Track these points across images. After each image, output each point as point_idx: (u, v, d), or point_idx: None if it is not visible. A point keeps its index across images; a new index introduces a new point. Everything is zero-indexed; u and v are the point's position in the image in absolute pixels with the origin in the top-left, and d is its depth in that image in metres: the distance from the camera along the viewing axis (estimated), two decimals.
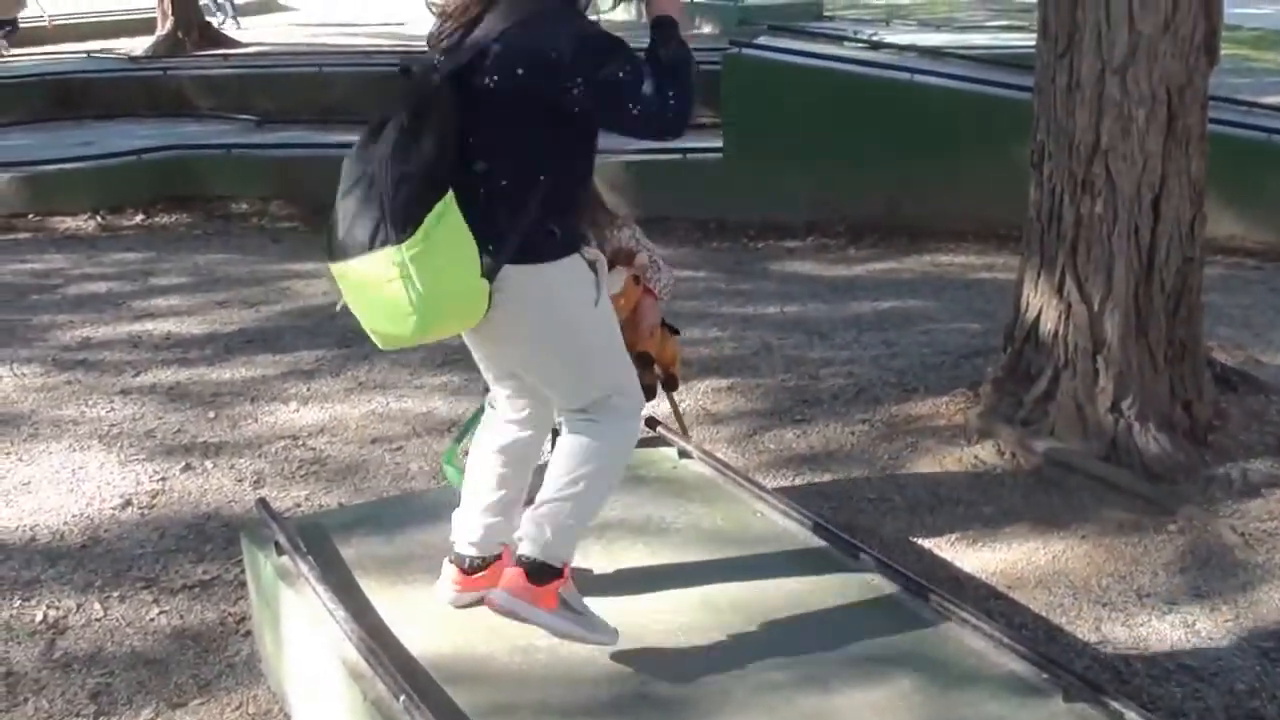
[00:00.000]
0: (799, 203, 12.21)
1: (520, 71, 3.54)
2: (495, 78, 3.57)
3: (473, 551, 4.13)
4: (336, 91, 15.50)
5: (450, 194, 3.54)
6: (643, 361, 5.00)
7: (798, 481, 6.16)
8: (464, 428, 5.09)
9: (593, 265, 3.86)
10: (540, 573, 3.78)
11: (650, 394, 5.07)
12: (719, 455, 5.20)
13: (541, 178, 3.66)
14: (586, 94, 3.55)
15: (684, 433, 5.68)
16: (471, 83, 3.59)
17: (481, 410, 4.52)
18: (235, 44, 21.91)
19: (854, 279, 10.51)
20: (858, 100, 12.14)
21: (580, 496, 3.85)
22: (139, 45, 21.16)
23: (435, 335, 3.86)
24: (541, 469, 4.05)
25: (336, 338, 8.54)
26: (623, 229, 5.23)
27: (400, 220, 3.48)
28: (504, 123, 3.63)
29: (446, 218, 3.53)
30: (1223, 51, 6.46)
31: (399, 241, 3.48)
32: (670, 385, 5.51)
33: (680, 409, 5.95)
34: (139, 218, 13.05)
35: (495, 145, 3.66)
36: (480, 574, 4.10)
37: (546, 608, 3.77)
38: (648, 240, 5.33)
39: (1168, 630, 4.93)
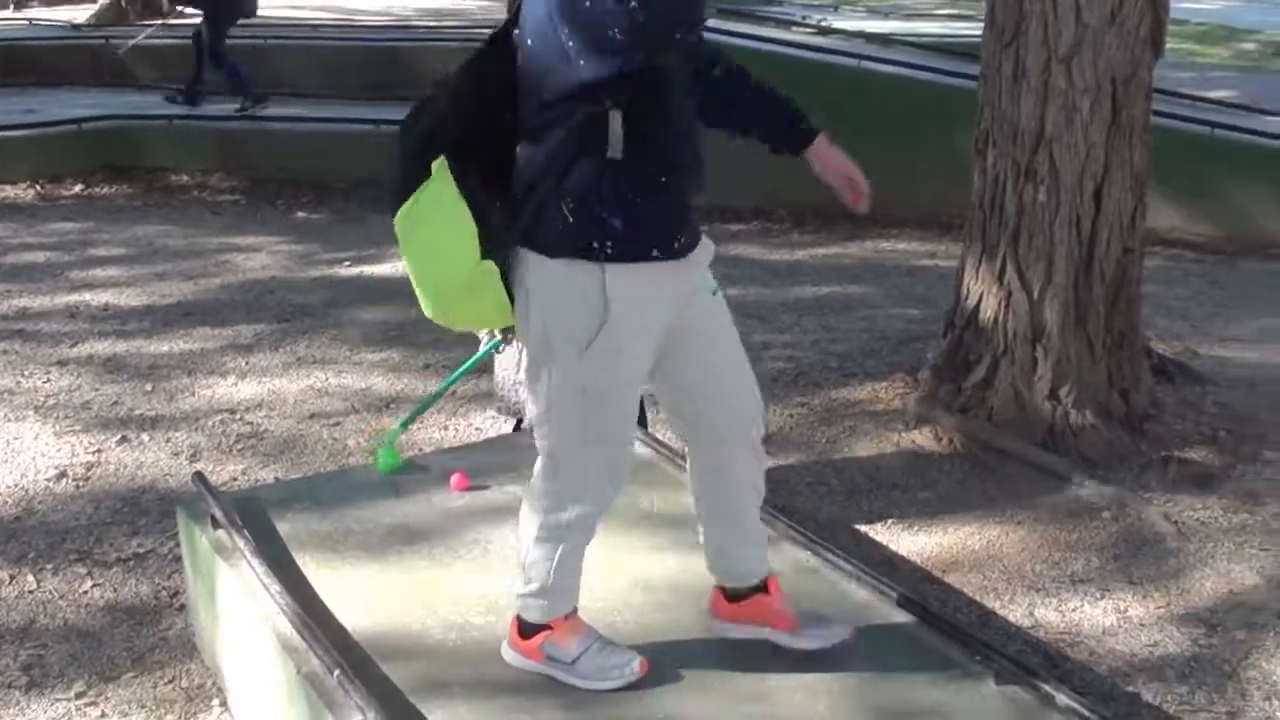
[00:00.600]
0: (744, 187, 12.21)
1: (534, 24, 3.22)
2: (519, 32, 3.28)
3: (726, 581, 3.85)
4: (278, 64, 15.38)
5: (440, 166, 3.31)
6: None
7: None
8: (410, 415, 5.00)
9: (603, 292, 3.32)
10: (524, 628, 3.69)
11: None
12: (658, 437, 5.19)
13: (562, 150, 3.28)
14: (573, 37, 3.12)
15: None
16: (510, 44, 3.33)
17: (435, 396, 4.50)
18: (179, 13, 21.70)
19: (796, 263, 10.53)
20: (804, 85, 12.07)
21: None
22: (82, 13, 20.94)
23: (461, 322, 3.75)
24: None
25: (275, 312, 8.52)
26: None
27: (392, 194, 3.37)
28: (526, 91, 3.31)
29: (427, 192, 3.33)
30: (1168, 45, 6.50)
31: (393, 216, 3.39)
32: None
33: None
34: (78, 188, 12.96)
35: (524, 115, 3.33)
36: (743, 601, 3.82)
37: (535, 661, 3.67)
38: None
39: (1100, 616, 4.96)
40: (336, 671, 3.51)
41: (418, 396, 7.00)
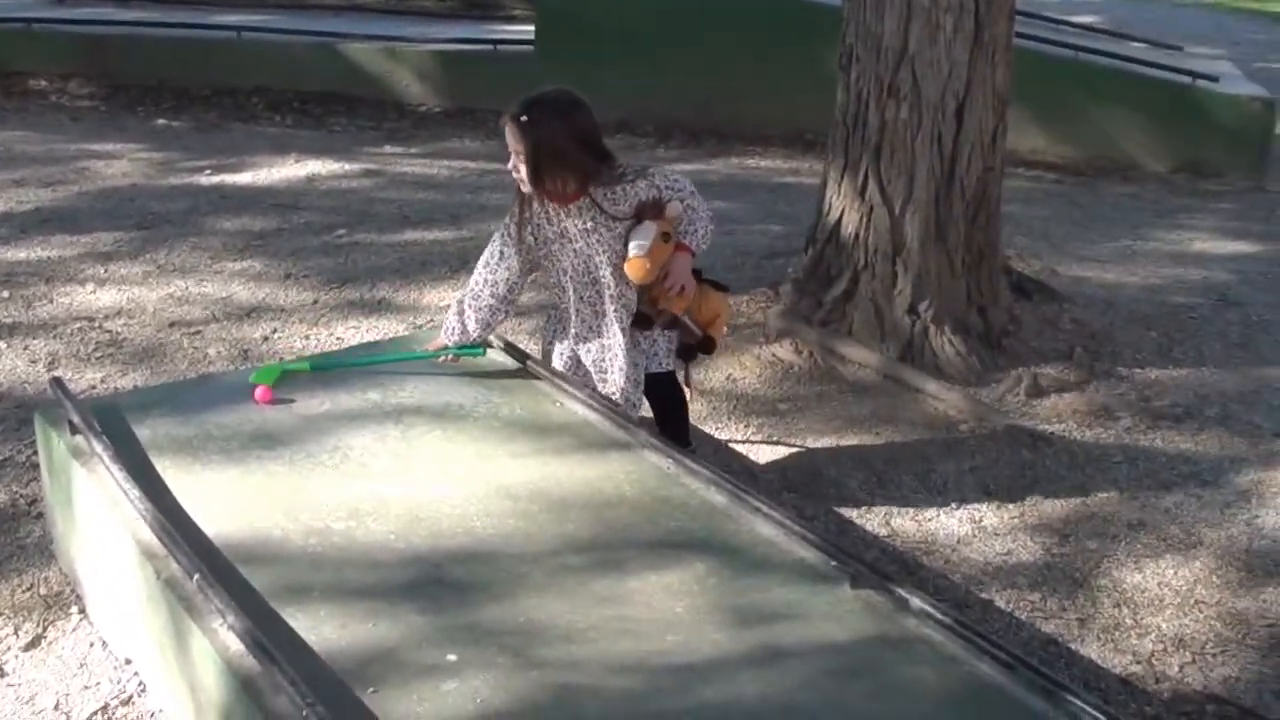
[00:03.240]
0: (609, 101, 12.18)
1: None
2: None
3: None
4: None
5: None
6: (671, 323, 4.89)
7: None
8: (324, 361, 4.77)
9: None
10: None
11: (688, 354, 5.01)
12: (520, 347, 5.19)
13: None
14: None
15: (687, 399, 5.27)
16: None
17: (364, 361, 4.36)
18: None
19: None
20: (673, 1, 12.14)
21: None
22: None
23: None
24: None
25: (135, 220, 8.40)
26: (636, 181, 4.67)
27: None
28: None
29: None
30: None
31: None
32: (706, 348, 5.02)
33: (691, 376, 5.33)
34: None
35: None
36: None
37: None
38: (680, 181, 4.76)
39: (955, 526, 5.06)
40: (196, 576, 3.49)
41: (277, 305, 6.96)
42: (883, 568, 3.88)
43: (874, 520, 5.07)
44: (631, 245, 4.63)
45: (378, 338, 6.35)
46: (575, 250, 4.72)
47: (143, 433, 4.41)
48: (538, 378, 4.91)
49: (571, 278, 4.79)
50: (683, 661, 3.35)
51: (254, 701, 3.11)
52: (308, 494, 4.08)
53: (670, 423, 5.08)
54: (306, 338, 6.57)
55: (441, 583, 3.66)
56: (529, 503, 4.04)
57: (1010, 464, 5.53)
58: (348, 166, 10.18)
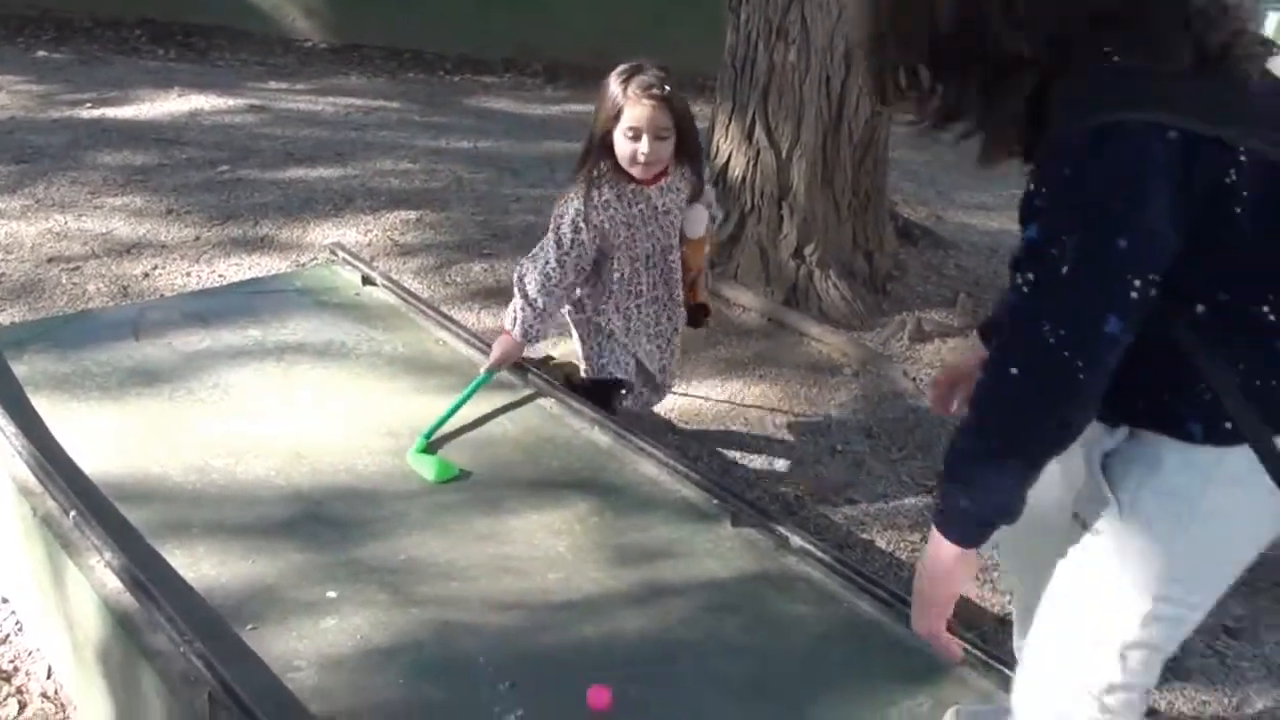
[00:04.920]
0: (498, 40, 12.13)
1: None
2: None
3: None
4: None
5: None
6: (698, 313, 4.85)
7: (483, 314, 6.16)
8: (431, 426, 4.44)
9: None
10: None
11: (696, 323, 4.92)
12: (404, 285, 5.16)
13: None
14: None
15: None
16: None
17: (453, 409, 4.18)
18: None
19: (549, 118, 10.49)
20: None
21: None
22: None
23: None
24: None
25: (14, 153, 8.25)
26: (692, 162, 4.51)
27: None
28: None
29: None
30: None
31: None
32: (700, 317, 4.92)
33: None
34: None
35: None
36: None
37: None
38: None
39: (838, 468, 5.09)
40: (73, 513, 3.45)
41: (159, 241, 6.86)
42: (764, 506, 3.90)
43: (757, 461, 5.09)
44: (693, 226, 4.55)
45: (261, 274, 6.28)
46: (649, 234, 4.46)
47: (19, 369, 4.35)
48: (422, 315, 4.89)
49: (645, 265, 4.54)
50: (563, 599, 3.36)
51: (131, 638, 3.09)
52: (187, 431, 4.05)
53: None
54: (188, 275, 6.49)
55: (321, 520, 3.64)
56: (410, 441, 4.03)
57: (893, 408, 5.57)
58: (232, 102, 10.04)
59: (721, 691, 3.07)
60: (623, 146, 4.21)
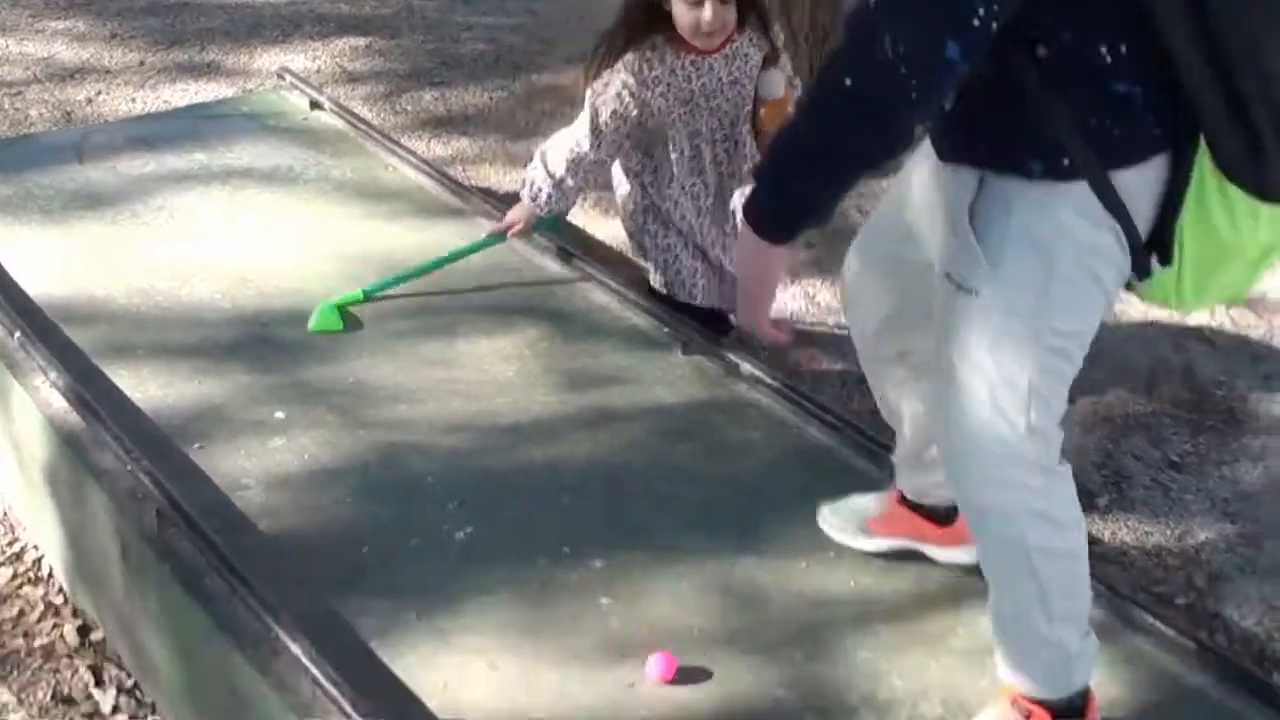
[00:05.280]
0: None
1: None
2: None
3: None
4: None
5: None
6: None
7: (433, 143, 6.10)
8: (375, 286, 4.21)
9: None
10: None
11: None
12: (353, 111, 5.11)
13: None
14: None
15: None
16: None
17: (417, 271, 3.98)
18: None
19: None
20: None
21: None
22: None
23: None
24: None
25: None
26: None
27: None
28: None
29: None
30: None
31: None
32: None
33: None
34: None
35: None
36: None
37: None
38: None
39: (791, 301, 5.07)
40: (17, 334, 3.44)
41: (102, 66, 6.76)
42: (712, 336, 3.88)
43: None
44: (770, 87, 3.93)
45: (206, 100, 6.19)
46: (713, 108, 3.88)
47: None
48: (371, 141, 4.85)
49: (707, 142, 3.94)
50: (512, 422, 3.37)
51: (78, 457, 3.09)
52: (132, 254, 4.03)
53: None
54: (133, 100, 6.40)
55: (269, 343, 3.64)
56: (359, 264, 4.01)
57: (849, 239, 5.54)
58: None
59: (670, 514, 3.09)
60: (683, 15, 3.66)
